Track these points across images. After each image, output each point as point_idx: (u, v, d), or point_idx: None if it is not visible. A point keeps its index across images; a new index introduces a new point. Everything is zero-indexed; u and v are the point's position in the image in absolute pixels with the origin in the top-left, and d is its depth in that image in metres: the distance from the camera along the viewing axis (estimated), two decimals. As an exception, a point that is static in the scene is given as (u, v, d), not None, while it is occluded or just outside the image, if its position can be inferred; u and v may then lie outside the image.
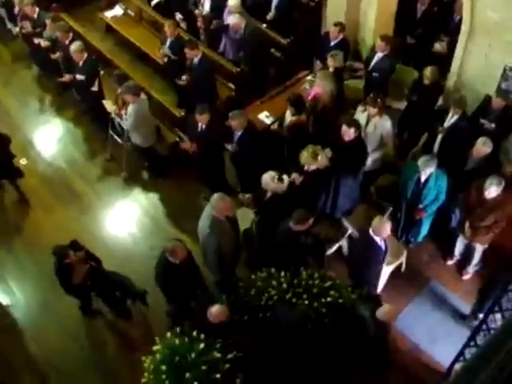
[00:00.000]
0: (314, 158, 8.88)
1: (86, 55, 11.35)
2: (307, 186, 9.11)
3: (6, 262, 10.36)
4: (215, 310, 7.41)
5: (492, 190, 8.43)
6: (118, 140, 11.58)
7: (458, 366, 7.85)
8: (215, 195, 8.35)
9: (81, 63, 11.38)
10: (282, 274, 8.12)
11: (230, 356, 7.34)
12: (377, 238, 8.07)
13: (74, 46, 11.22)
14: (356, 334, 7.72)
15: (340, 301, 7.94)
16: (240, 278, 8.49)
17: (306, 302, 7.84)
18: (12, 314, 9.78)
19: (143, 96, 10.66)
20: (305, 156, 8.91)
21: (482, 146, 9.00)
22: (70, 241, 8.50)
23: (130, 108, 10.45)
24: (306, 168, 9.05)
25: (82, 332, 9.38)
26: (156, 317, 9.30)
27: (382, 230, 7.98)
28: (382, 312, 7.41)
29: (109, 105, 11.28)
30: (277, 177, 8.72)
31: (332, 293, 7.95)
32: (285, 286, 7.99)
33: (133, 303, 9.46)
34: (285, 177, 8.86)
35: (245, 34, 11.86)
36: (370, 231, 8.03)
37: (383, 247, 8.22)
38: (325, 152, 9.18)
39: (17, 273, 10.23)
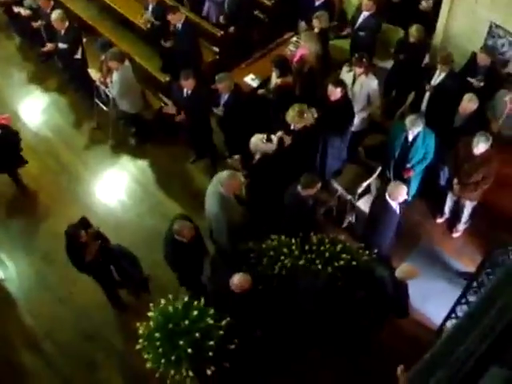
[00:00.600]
0: (301, 116, 8.83)
1: (67, 23, 11.16)
2: (296, 145, 9.07)
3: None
4: (238, 279, 7.28)
5: (480, 147, 8.47)
6: (104, 108, 11.50)
7: (449, 324, 7.94)
8: (225, 173, 8.27)
9: (63, 32, 11.20)
10: (293, 240, 8.09)
11: (223, 322, 7.34)
12: (392, 203, 8.10)
13: (55, 15, 11.04)
14: (375, 295, 7.78)
15: (353, 263, 7.93)
16: (250, 249, 8.36)
17: (319, 266, 7.85)
18: (5, 287, 9.78)
19: (127, 62, 10.54)
20: (291, 115, 8.85)
21: (468, 103, 8.99)
22: (80, 218, 8.42)
23: (115, 75, 10.36)
24: (292, 127, 9.00)
25: (76, 301, 9.38)
26: (151, 283, 9.31)
27: (398, 195, 8.01)
28: (401, 271, 7.42)
29: (93, 73, 11.18)
30: (265, 137, 8.70)
31: (344, 256, 7.93)
32: (296, 252, 7.95)
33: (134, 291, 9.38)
34: (273, 136, 8.84)
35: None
36: (386, 195, 8.06)
37: (398, 212, 8.25)
38: (311, 111, 9.14)
39: (8, 245, 10.21)
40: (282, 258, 7.91)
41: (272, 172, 8.67)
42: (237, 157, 9.48)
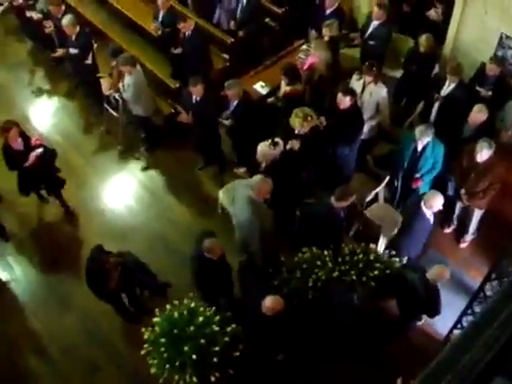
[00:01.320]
0: (306, 120, 8.83)
1: (78, 28, 11.22)
2: (303, 149, 9.05)
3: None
4: (270, 302, 7.13)
5: (484, 154, 8.46)
6: (114, 113, 11.53)
7: (455, 334, 7.91)
8: (257, 177, 8.20)
9: (74, 37, 11.25)
10: (325, 252, 8.02)
11: (228, 329, 7.34)
12: (427, 211, 8.11)
13: (66, 20, 11.09)
14: (407, 300, 7.78)
15: (387, 272, 7.92)
16: (282, 262, 8.26)
17: (354, 277, 7.81)
18: (12, 290, 9.80)
19: (138, 67, 10.59)
20: (297, 121, 8.84)
21: (478, 113, 8.97)
22: (95, 245, 8.26)
23: (128, 79, 10.40)
24: (297, 132, 8.99)
25: (81, 305, 9.37)
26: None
27: (433, 204, 8.00)
28: (433, 273, 7.45)
29: (105, 84, 11.21)
30: (271, 143, 8.69)
31: (378, 265, 7.91)
32: (330, 264, 7.89)
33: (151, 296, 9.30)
34: (278, 139, 8.84)
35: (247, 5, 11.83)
36: (422, 203, 8.05)
37: (431, 221, 8.26)
38: (320, 119, 9.15)
39: (15, 248, 10.22)
40: (316, 270, 7.86)
41: (280, 178, 8.64)
42: (242, 169, 9.49)
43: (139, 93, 10.57)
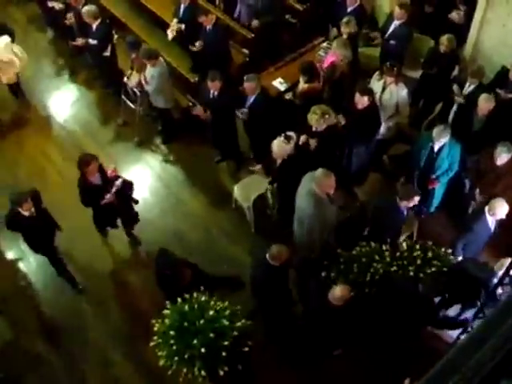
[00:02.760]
0: (324, 118, 8.79)
1: (99, 20, 11.27)
2: (320, 147, 9.04)
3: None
4: (340, 290, 7.10)
5: (503, 157, 8.50)
6: (131, 105, 11.58)
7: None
8: (319, 171, 8.02)
9: (94, 27, 11.33)
10: (384, 247, 8.04)
11: (238, 324, 7.34)
12: (489, 218, 8.12)
13: (86, 11, 11.16)
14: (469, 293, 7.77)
15: (444, 269, 7.89)
16: (339, 254, 8.23)
17: (412, 273, 7.79)
18: (25, 277, 9.88)
19: (161, 58, 10.63)
20: (315, 118, 8.80)
21: (485, 103, 8.98)
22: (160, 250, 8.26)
23: (153, 70, 10.41)
24: (314, 129, 8.96)
25: (93, 294, 9.48)
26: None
27: (497, 212, 8.00)
28: (499, 265, 7.58)
29: (134, 81, 11.20)
30: (284, 137, 8.66)
31: (435, 262, 7.90)
32: (388, 259, 7.91)
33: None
34: (291, 133, 8.81)
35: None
36: (486, 209, 8.07)
37: (492, 228, 8.26)
38: (338, 118, 9.13)
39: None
40: (374, 264, 7.88)
41: (296, 174, 8.63)
42: (258, 166, 9.47)
43: (163, 84, 10.60)
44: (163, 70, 10.51)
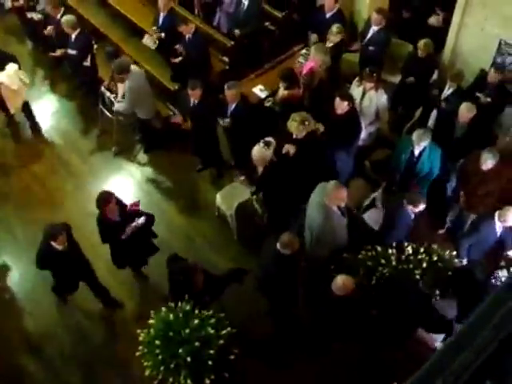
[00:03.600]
0: (303, 125, 8.81)
1: (78, 30, 11.25)
2: (301, 154, 9.03)
3: (1, 237, 10.34)
4: (342, 279, 7.18)
5: (488, 163, 8.54)
6: (108, 114, 11.55)
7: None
8: (331, 183, 8.01)
9: (73, 38, 11.29)
10: (390, 251, 8.05)
11: (223, 332, 7.33)
12: (498, 224, 8.21)
13: (65, 20, 11.15)
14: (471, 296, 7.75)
15: (449, 273, 7.95)
16: (345, 258, 8.24)
17: (418, 277, 7.82)
18: (8, 288, 9.81)
19: (137, 69, 10.60)
20: (294, 125, 8.82)
21: (467, 112, 9.06)
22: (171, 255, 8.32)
23: (125, 85, 10.41)
24: (295, 136, 8.98)
25: (77, 304, 9.39)
26: (153, 290, 9.33)
27: (508, 219, 8.09)
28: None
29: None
30: (263, 144, 8.66)
31: (440, 265, 7.95)
32: (394, 263, 7.92)
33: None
34: (270, 139, 8.81)
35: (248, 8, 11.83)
36: (496, 215, 8.17)
37: (499, 233, 8.32)
38: (317, 125, 9.15)
39: (11, 247, 10.22)
40: (380, 268, 7.92)
41: (279, 181, 8.69)
42: (242, 178, 9.47)
43: (137, 97, 10.52)
44: (134, 83, 10.39)
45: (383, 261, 7.97)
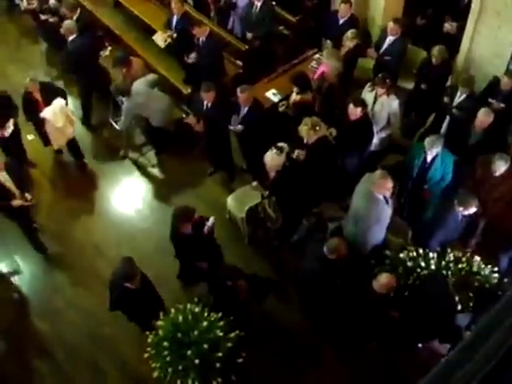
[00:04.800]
0: (314, 130, 8.83)
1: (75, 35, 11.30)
2: (311, 158, 9.05)
3: (12, 238, 10.34)
4: (387, 277, 7.31)
5: (500, 168, 8.53)
6: (117, 127, 11.58)
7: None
8: (378, 172, 8.12)
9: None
10: (431, 254, 8.07)
11: (232, 335, 7.35)
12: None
13: (65, 25, 11.29)
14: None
15: (486, 286, 7.89)
16: (386, 256, 8.32)
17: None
18: (17, 287, 9.84)
19: (139, 85, 10.62)
20: (305, 129, 8.84)
21: (485, 117, 9.01)
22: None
23: (124, 104, 10.58)
24: (305, 141, 9.00)
25: (86, 307, 9.40)
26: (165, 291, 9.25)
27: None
28: None
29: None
30: (276, 150, 8.67)
31: (478, 277, 7.90)
32: (433, 267, 7.95)
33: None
34: (282, 144, 8.81)
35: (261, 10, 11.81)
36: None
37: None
38: (330, 131, 9.15)
39: (22, 249, 10.20)
40: (419, 270, 7.95)
41: (291, 185, 8.71)
42: (255, 183, 9.45)
43: (132, 118, 10.76)
44: (129, 105, 10.51)
45: (423, 263, 8.00)
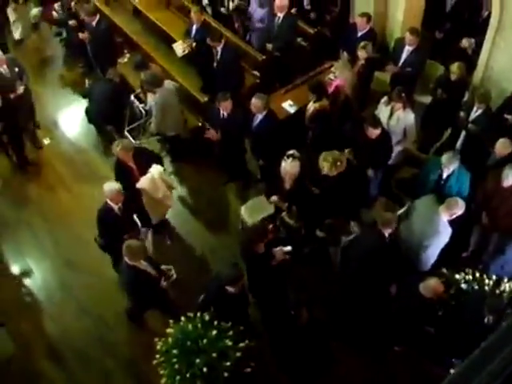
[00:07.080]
0: (336, 166, 8.66)
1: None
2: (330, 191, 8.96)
3: (25, 240, 10.43)
4: (434, 283, 7.34)
5: (510, 179, 8.45)
6: (132, 140, 11.55)
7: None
8: (451, 199, 8.21)
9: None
10: (487, 281, 7.94)
11: (241, 345, 7.33)
12: None
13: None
14: None
15: None
16: (441, 273, 8.19)
17: None
18: (31, 292, 9.88)
19: (169, 85, 10.61)
20: (328, 166, 8.66)
21: (503, 148, 8.90)
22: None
23: (152, 99, 10.53)
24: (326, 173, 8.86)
25: (98, 312, 9.43)
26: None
27: None
28: None
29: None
30: (288, 157, 8.64)
31: None
32: (486, 293, 7.81)
33: None
34: (293, 151, 8.76)
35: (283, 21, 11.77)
36: None
37: None
38: (345, 153, 9.10)
39: (35, 251, 10.33)
40: (470, 293, 7.89)
41: (309, 194, 8.81)
42: (274, 198, 9.32)
43: (162, 113, 10.57)
44: (162, 100, 10.42)
45: (477, 287, 7.91)
